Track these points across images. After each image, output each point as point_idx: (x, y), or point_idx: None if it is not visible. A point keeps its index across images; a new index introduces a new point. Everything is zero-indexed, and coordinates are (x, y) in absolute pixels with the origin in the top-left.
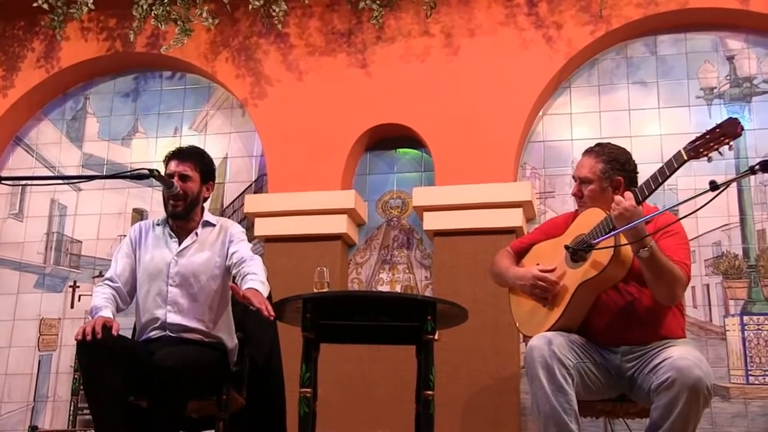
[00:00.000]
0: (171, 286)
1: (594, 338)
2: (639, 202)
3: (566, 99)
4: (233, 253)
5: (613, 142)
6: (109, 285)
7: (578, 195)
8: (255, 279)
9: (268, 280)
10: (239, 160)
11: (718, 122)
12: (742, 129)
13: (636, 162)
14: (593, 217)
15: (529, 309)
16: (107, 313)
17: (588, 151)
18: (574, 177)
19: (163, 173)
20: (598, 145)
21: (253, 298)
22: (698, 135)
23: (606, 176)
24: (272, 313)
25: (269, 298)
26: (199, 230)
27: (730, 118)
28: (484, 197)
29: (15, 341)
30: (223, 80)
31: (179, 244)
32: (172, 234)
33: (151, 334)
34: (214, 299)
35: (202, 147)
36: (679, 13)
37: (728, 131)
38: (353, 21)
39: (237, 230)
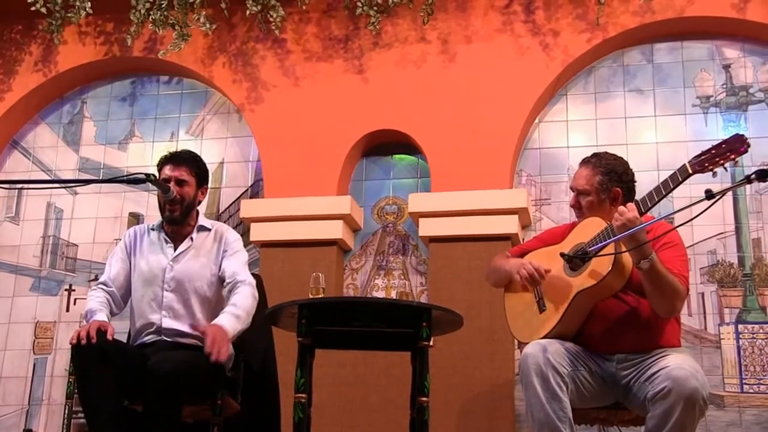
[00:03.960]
0: (166, 291)
1: (590, 345)
2: (641, 214)
3: (563, 106)
4: (226, 269)
5: (610, 149)
6: (103, 289)
7: (576, 206)
8: (228, 312)
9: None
10: (235, 165)
11: (724, 137)
12: (748, 146)
13: (632, 170)
14: (593, 226)
15: (524, 316)
16: (102, 316)
17: (585, 162)
18: (571, 188)
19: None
20: (595, 155)
21: (208, 338)
22: (704, 150)
23: (604, 188)
24: (220, 360)
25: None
26: (195, 235)
27: (737, 134)
28: (480, 204)
29: (10, 344)
30: (220, 85)
31: (174, 249)
32: (168, 239)
33: (146, 338)
34: (209, 304)
35: (198, 152)
36: (676, 21)
37: (734, 147)
38: (350, 27)
39: (233, 238)
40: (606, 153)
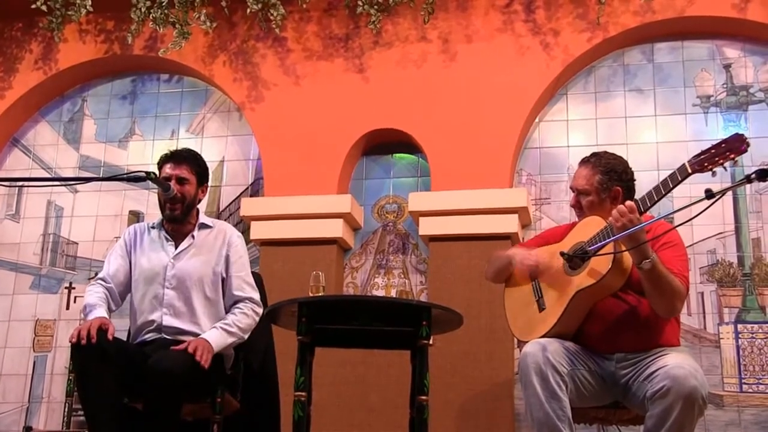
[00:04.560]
0: (167, 288)
1: (589, 344)
2: (641, 213)
3: (563, 106)
4: (231, 282)
5: (610, 149)
6: (101, 284)
7: (576, 206)
8: (218, 326)
9: (265, 293)
10: (236, 163)
11: (724, 137)
12: (748, 146)
13: (632, 169)
14: (593, 225)
15: (524, 314)
16: (101, 312)
17: (584, 162)
18: (571, 188)
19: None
20: (594, 155)
21: (191, 346)
22: (704, 149)
23: (604, 187)
24: (204, 364)
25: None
26: (196, 233)
27: (736, 134)
28: (480, 203)
29: (10, 342)
30: (220, 83)
31: (176, 248)
32: (168, 237)
33: (147, 336)
34: (210, 302)
35: (198, 150)
36: (676, 21)
37: (733, 147)
38: (351, 26)
39: (238, 242)
40: (605, 152)
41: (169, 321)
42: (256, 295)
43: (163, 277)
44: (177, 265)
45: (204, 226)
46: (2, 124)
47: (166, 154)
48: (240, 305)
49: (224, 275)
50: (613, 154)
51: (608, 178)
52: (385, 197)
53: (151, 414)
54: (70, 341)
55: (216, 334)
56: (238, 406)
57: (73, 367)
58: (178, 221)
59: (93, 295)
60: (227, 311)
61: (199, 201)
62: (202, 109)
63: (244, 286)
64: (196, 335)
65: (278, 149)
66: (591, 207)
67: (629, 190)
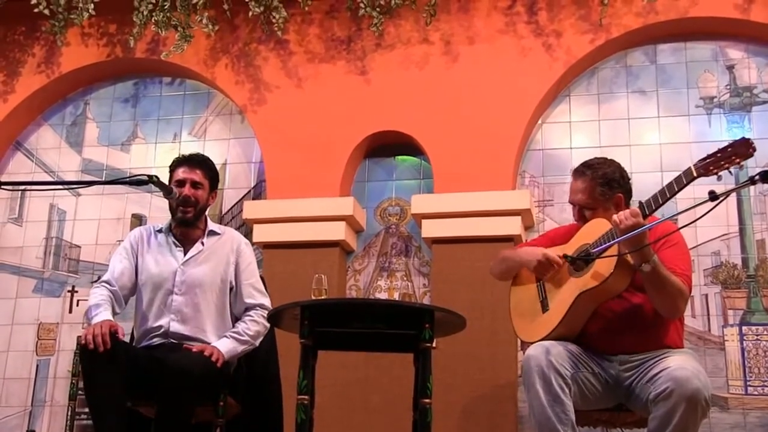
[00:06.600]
0: (176, 294)
1: (591, 345)
2: (645, 216)
3: (565, 107)
4: (242, 290)
5: (613, 151)
6: (106, 287)
7: (581, 220)
8: (228, 335)
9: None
10: (238, 166)
11: (728, 139)
12: (754, 150)
13: (634, 171)
14: (598, 227)
15: (528, 315)
16: (108, 315)
17: (579, 174)
18: (571, 202)
19: (168, 179)
20: (587, 166)
21: (206, 350)
22: (710, 153)
23: (606, 198)
24: (218, 362)
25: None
26: (205, 240)
27: (743, 138)
28: (483, 205)
29: (13, 346)
30: (222, 86)
31: (185, 253)
32: (177, 242)
33: (153, 341)
34: (217, 309)
35: (201, 153)
36: (679, 22)
37: (740, 151)
38: (353, 28)
39: (244, 249)
40: (596, 160)
41: (176, 327)
42: (267, 301)
43: (172, 282)
44: (187, 271)
45: (213, 233)
46: (5, 128)
47: (179, 158)
48: (251, 313)
49: (233, 283)
50: (605, 161)
51: (608, 188)
52: (387, 200)
53: (165, 416)
54: (82, 344)
55: (226, 343)
56: (239, 408)
57: (81, 368)
58: (188, 225)
59: (98, 298)
60: (238, 319)
61: (208, 207)
62: (204, 112)
63: (254, 293)
64: (202, 342)
65: (281, 152)
66: (595, 218)
67: (628, 192)
